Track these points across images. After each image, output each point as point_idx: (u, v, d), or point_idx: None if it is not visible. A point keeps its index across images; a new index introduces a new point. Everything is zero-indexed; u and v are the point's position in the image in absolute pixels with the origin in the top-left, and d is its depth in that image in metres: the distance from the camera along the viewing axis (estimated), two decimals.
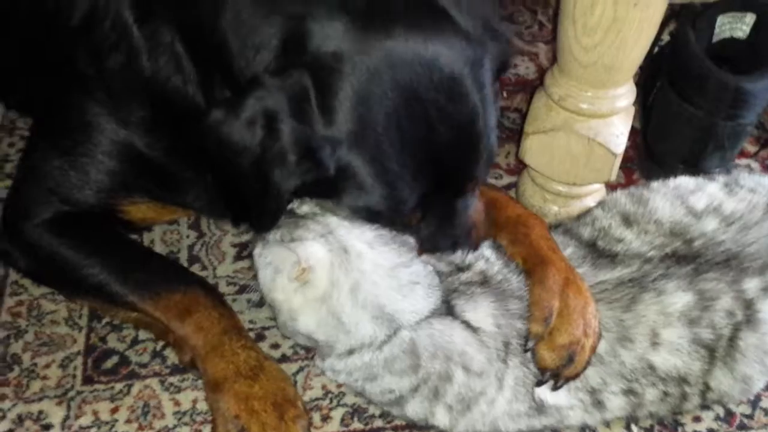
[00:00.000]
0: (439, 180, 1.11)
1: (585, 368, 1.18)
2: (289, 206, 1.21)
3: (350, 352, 1.19)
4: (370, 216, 1.14)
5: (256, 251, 1.21)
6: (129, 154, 1.30)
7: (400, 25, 1.05)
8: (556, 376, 1.18)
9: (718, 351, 1.20)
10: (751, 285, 1.22)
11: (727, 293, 1.21)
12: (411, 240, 1.20)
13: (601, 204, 1.38)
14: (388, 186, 1.08)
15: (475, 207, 1.25)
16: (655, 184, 1.38)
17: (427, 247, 1.22)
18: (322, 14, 1.04)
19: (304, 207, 1.20)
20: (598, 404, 1.21)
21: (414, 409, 1.20)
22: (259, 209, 1.12)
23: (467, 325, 1.18)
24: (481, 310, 1.19)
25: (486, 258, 1.26)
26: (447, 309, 1.19)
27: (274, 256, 1.16)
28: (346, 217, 1.16)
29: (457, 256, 1.25)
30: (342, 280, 1.13)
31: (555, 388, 1.18)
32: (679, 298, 1.21)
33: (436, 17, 1.09)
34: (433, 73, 1.05)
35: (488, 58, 1.12)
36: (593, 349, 1.18)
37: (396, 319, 1.15)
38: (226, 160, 1.07)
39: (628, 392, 1.21)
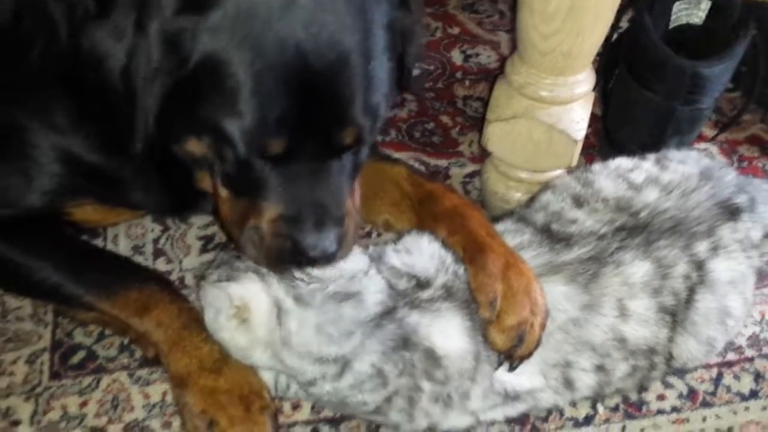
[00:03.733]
0: (308, 110, 1.03)
1: (537, 346, 1.19)
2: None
3: (310, 383, 1.17)
4: (229, 144, 1.04)
5: (201, 292, 1.20)
6: (68, 157, 1.27)
7: None
8: (510, 357, 1.19)
9: (678, 315, 1.24)
10: (702, 248, 1.27)
11: (682, 259, 1.25)
12: (354, 286, 1.15)
13: (551, 188, 1.40)
14: (255, 81, 0.99)
15: (348, 186, 1.15)
16: (596, 167, 1.42)
17: (287, 213, 1.11)
18: None
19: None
20: (569, 384, 1.23)
21: (395, 415, 1.20)
22: (128, 125, 1.07)
23: (429, 353, 1.16)
24: (447, 330, 1.18)
25: (446, 268, 1.24)
26: (403, 341, 1.16)
27: (210, 296, 1.15)
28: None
29: (420, 272, 1.22)
30: (275, 330, 1.12)
31: (511, 369, 1.20)
32: (638, 267, 1.24)
33: None
34: None
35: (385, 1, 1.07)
36: (543, 326, 1.19)
37: (339, 359, 1.14)
38: (98, 75, 1.03)
39: (599, 369, 1.23)
